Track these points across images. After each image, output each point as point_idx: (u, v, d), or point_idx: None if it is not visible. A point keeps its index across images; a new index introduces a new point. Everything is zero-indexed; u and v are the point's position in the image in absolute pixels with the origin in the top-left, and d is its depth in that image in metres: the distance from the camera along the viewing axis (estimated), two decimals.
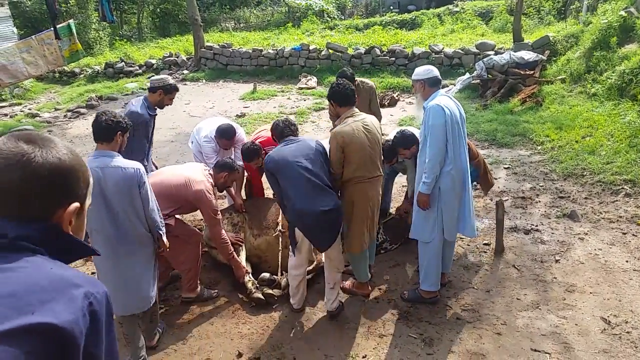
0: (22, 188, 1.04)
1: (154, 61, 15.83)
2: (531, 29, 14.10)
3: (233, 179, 4.35)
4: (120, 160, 3.14)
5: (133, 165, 3.15)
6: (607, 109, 7.57)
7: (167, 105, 4.51)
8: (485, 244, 4.79)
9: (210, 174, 4.12)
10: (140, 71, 15.42)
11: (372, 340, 3.59)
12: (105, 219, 3.09)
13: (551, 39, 11.09)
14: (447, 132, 3.51)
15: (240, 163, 4.76)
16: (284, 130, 3.81)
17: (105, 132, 3.18)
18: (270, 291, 4.06)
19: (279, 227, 4.45)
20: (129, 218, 3.13)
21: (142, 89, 13.48)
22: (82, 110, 11.36)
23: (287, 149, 3.61)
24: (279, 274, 4.29)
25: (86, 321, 0.97)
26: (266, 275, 4.21)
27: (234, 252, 4.11)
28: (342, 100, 3.69)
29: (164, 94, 4.41)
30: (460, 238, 4.80)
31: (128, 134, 3.34)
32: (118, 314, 3.26)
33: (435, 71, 3.73)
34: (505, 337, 3.52)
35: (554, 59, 10.63)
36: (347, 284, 4.01)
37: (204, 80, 14.15)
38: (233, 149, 5.00)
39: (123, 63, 15.60)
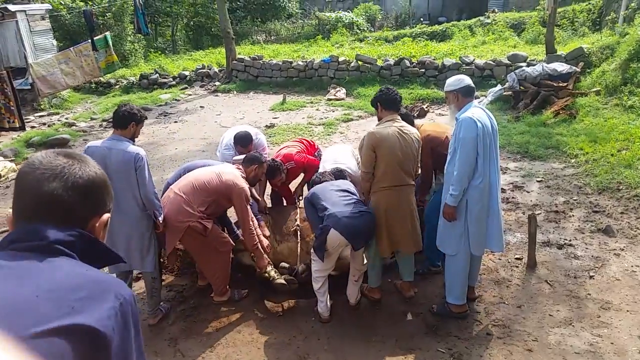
0: (63, 197, 1.13)
1: (187, 73, 16.17)
2: (565, 41, 13.85)
3: (263, 172, 4.41)
4: (126, 145, 3.64)
5: (135, 150, 3.64)
6: None
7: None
8: (517, 259, 4.70)
9: (240, 169, 4.20)
10: (173, 83, 15.77)
11: (400, 354, 3.55)
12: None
13: (585, 50, 10.87)
14: (477, 145, 3.47)
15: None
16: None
17: (122, 120, 3.70)
18: (291, 277, 4.19)
19: (297, 222, 4.56)
20: (124, 194, 3.64)
21: (176, 99, 13.80)
22: None
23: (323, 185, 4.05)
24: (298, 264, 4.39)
25: (117, 321, 1.05)
26: (285, 264, 4.35)
27: (260, 244, 4.15)
28: (387, 104, 3.84)
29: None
30: (491, 252, 4.72)
31: (142, 124, 3.84)
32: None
33: (467, 80, 3.69)
34: (536, 354, 3.43)
35: (588, 71, 10.40)
36: (364, 286, 4.17)
37: (234, 92, 14.38)
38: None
39: (157, 74, 15.99)
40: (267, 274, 4.19)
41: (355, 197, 3.90)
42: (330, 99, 12.51)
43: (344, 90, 12.95)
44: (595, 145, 7.15)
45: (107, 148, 3.62)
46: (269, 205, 5.18)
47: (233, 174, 4.03)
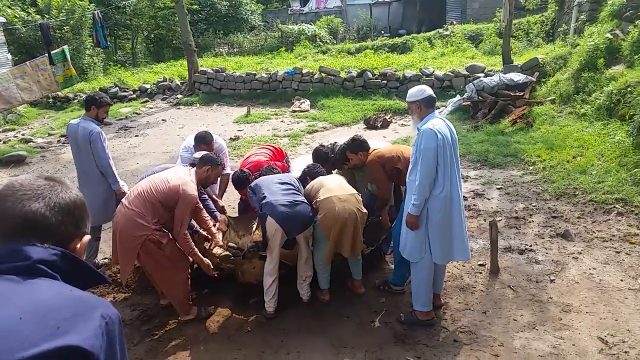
0: (46, 216, 1.14)
1: (148, 86, 15.93)
2: (520, 52, 14.36)
3: (217, 175, 4.37)
4: (88, 124, 4.77)
5: (91, 127, 4.73)
6: (597, 129, 7.68)
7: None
8: (480, 265, 4.79)
9: (192, 171, 4.13)
10: (134, 96, 15.50)
11: None
12: (75, 156, 4.94)
13: (540, 61, 11.31)
14: (438, 155, 3.54)
15: (228, 171, 5.14)
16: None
17: (85, 104, 4.93)
18: (235, 249, 4.30)
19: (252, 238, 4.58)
20: (88, 161, 4.82)
21: (136, 113, 13.55)
22: None
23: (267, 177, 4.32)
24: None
25: (104, 340, 1.05)
26: (233, 244, 4.39)
27: (196, 250, 4.06)
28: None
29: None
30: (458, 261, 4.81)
31: (104, 107, 4.86)
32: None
33: (428, 90, 3.75)
34: (502, 358, 3.50)
35: (543, 80, 10.82)
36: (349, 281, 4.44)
37: (197, 105, 14.24)
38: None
39: (117, 88, 15.69)
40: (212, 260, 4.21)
41: (293, 188, 4.12)
42: (294, 111, 12.54)
43: (308, 102, 13.02)
44: (551, 153, 7.41)
45: (76, 125, 4.82)
46: (235, 214, 5.18)
47: (181, 178, 3.90)
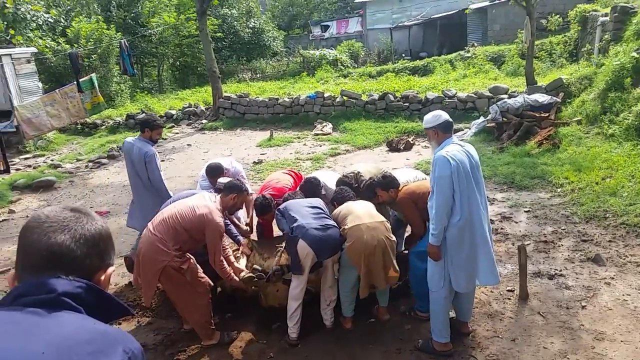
0: (72, 248, 1.15)
1: (173, 112, 16.26)
2: (544, 72, 14.23)
3: (243, 201, 4.40)
4: (143, 144, 5.17)
5: (147, 149, 5.12)
6: (626, 150, 7.52)
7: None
8: (509, 290, 4.67)
9: (217, 198, 4.15)
10: (160, 122, 15.80)
11: None
12: (130, 171, 5.34)
13: (564, 81, 11.17)
14: (453, 183, 3.46)
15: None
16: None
17: (140, 126, 5.46)
18: (259, 272, 4.26)
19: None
20: (141, 176, 5.21)
21: (163, 138, 13.80)
22: (104, 161, 11.62)
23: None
24: None
25: None
26: (258, 267, 4.35)
27: (232, 274, 4.10)
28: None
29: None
30: (485, 286, 4.70)
31: (157, 130, 5.31)
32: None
33: (444, 115, 3.70)
34: None
35: (569, 101, 10.66)
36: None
37: (222, 129, 14.45)
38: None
39: (144, 114, 16.04)
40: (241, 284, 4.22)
41: (323, 212, 4.13)
42: (317, 134, 12.62)
43: (330, 125, 13.09)
44: (579, 174, 7.25)
45: (132, 144, 5.21)
46: (254, 236, 5.17)
47: (208, 207, 3.93)
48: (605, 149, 7.90)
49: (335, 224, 4.04)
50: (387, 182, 4.36)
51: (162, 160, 11.30)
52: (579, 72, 11.62)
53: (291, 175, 5.46)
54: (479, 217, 3.61)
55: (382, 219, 4.13)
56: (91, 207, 8.25)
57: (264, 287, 4.34)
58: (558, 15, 17.19)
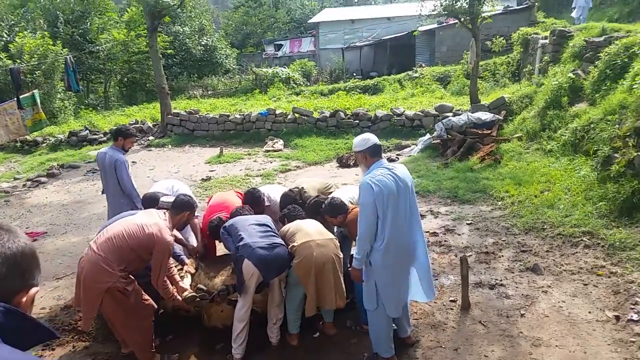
0: None
1: None
2: (488, 91, 14.83)
3: (190, 217, 4.29)
4: (114, 152, 5.50)
5: (117, 156, 5.46)
6: (563, 164, 7.87)
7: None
8: (451, 301, 4.74)
9: (167, 216, 3.99)
10: (104, 139, 15.35)
11: None
12: (103, 180, 5.72)
13: (507, 99, 11.67)
14: (376, 208, 3.43)
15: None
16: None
17: (114, 134, 5.72)
18: (203, 291, 4.12)
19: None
20: (112, 184, 5.55)
21: None
22: (43, 179, 11.12)
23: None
24: None
25: None
26: (202, 287, 4.21)
27: (175, 294, 3.99)
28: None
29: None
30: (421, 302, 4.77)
31: (130, 139, 5.62)
32: None
33: (372, 139, 3.67)
34: None
35: (510, 118, 11.13)
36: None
37: (169, 146, 14.16)
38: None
39: (87, 131, 15.53)
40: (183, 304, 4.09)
41: (271, 230, 4.04)
42: (268, 151, 12.58)
43: (281, 142, 13.09)
44: (519, 188, 7.52)
45: (104, 153, 5.58)
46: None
47: (157, 225, 3.77)
48: (544, 163, 8.25)
49: (283, 242, 3.95)
50: (335, 209, 4.26)
51: None
52: (520, 91, 12.17)
53: (239, 197, 5.30)
54: (405, 241, 3.59)
55: (332, 236, 4.11)
56: (27, 228, 7.84)
57: (208, 307, 4.22)
58: (502, 38, 18.03)
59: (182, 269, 4.36)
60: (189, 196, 4.37)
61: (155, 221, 3.80)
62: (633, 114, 6.74)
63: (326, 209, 4.29)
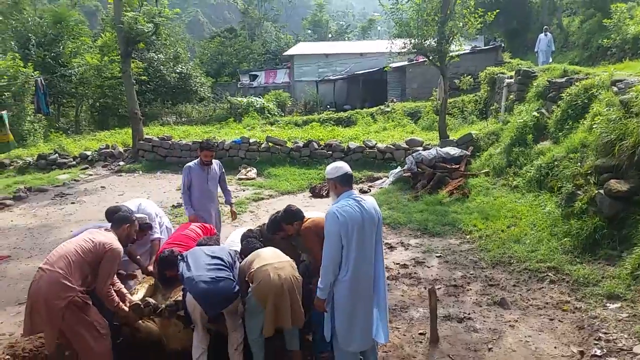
0: None
1: (89, 153, 15.58)
2: (456, 127, 15.26)
3: (135, 229, 4.34)
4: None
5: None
6: (529, 200, 8.09)
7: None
8: (420, 334, 4.76)
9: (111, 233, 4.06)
10: (74, 163, 15.07)
11: None
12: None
13: (474, 136, 12.02)
14: (341, 239, 3.44)
15: (157, 235, 5.10)
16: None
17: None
18: (149, 303, 4.08)
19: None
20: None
21: (75, 180, 13.12)
22: (8, 202, 10.79)
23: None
24: None
25: None
26: (152, 300, 4.17)
27: (120, 303, 3.94)
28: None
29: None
30: (397, 328, 4.77)
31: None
32: None
33: (344, 168, 3.69)
34: None
35: (477, 154, 11.45)
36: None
37: (140, 172, 13.98)
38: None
39: (57, 155, 15.22)
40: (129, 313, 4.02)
41: (222, 264, 3.98)
42: (241, 179, 12.55)
43: (254, 170, 13.10)
44: (487, 222, 7.69)
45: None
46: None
47: (105, 235, 3.93)
48: (510, 199, 8.48)
49: (231, 276, 3.90)
50: (290, 215, 4.39)
51: (72, 203, 10.71)
52: (487, 128, 12.56)
53: (200, 228, 5.23)
54: (369, 273, 3.59)
55: (288, 258, 4.12)
56: None
57: (165, 328, 4.16)
58: (469, 76, 18.72)
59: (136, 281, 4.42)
60: (127, 211, 4.47)
61: (103, 234, 3.96)
62: (593, 153, 7.04)
63: (282, 216, 4.39)
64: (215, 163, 6.41)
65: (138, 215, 4.62)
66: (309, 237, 4.33)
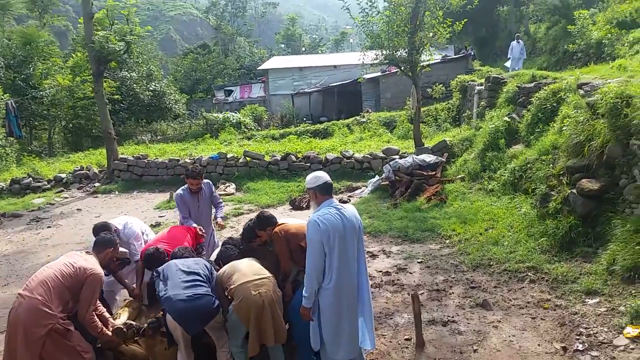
0: None
1: (63, 175, 15.30)
2: (431, 135, 15.50)
3: (117, 252, 4.31)
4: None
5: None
6: (505, 203, 8.26)
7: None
8: (406, 339, 4.79)
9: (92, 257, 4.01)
10: (48, 186, 14.78)
11: None
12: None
13: (448, 142, 12.23)
14: (323, 247, 3.48)
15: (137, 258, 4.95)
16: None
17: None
18: (131, 325, 4.07)
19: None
20: None
21: (50, 203, 12.86)
22: None
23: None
24: None
25: None
26: (133, 322, 4.17)
27: (103, 328, 3.90)
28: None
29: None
30: (382, 335, 4.80)
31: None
32: None
33: (324, 177, 3.74)
34: None
35: (453, 160, 11.63)
36: None
37: (116, 192, 13.79)
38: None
39: (30, 179, 14.91)
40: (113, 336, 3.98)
41: (199, 278, 3.94)
42: (220, 194, 12.45)
43: (233, 185, 13.05)
44: (465, 226, 7.81)
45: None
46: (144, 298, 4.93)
47: (86, 259, 3.87)
48: (487, 202, 8.63)
49: (210, 292, 3.88)
50: (263, 221, 4.42)
51: (49, 227, 10.50)
52: (460, 134, 12.79)
53: (188, 232, 5.28)
54: (353, 281, 3.63)
55: (268, 274, 4.11)
56: None
57: (151, 347, 4.11)
58: (441, 85, 19.07)
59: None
60: (111, 234, 4.42)
61: (84, 258, 3.90)
62: (564, 154, 7.23)
63: (255, 223, 4.43)
64: (205, 184, 6.17)
65: (120, 250, 4.52)
66: (277, 241, 4.34)
